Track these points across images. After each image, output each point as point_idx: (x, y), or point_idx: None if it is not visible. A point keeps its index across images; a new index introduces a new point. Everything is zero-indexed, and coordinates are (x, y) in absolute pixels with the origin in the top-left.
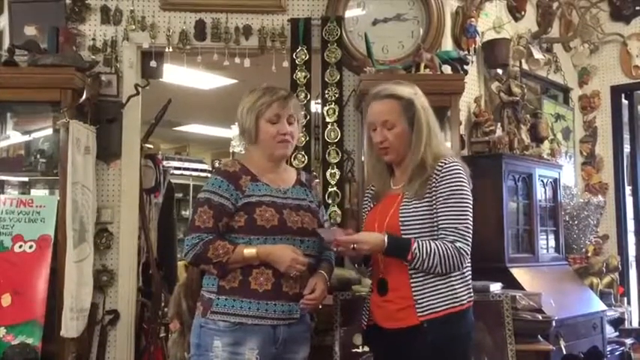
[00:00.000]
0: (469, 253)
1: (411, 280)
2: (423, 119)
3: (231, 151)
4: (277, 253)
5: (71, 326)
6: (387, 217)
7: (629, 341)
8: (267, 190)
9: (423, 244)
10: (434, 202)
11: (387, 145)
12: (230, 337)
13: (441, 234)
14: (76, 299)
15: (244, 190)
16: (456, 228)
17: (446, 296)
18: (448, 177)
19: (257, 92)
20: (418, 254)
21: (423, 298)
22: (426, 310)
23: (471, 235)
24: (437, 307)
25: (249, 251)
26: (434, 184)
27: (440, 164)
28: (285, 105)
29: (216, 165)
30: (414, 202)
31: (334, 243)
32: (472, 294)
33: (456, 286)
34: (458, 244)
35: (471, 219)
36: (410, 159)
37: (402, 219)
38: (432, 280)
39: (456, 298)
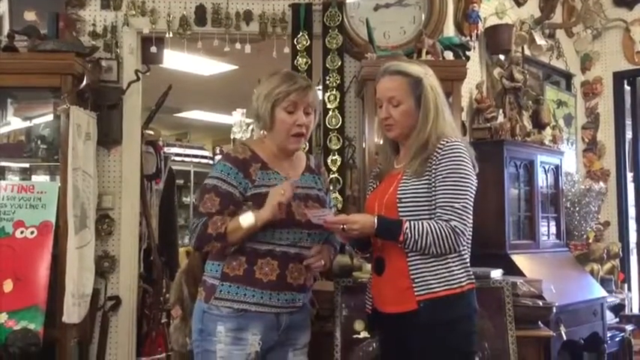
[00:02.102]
0: (466, 233)
1: (409, 261)
2: (431, 99)
3: (232, 137)
4: (267, 208)
5: (73, 312)
6: (386, 195)
7: (629, 327)
8: (276, 178)
9: (415, 224)
10: (433, 180)
11: (392, 122)
12: (233, 323)
13: (437, 212)
14: (77, 285)
15: (254, 179)
16: (452, 206)
17: (443, 277)
18: (449, 156)
19: (276, 79)
20: (410, 235)
21: (420, 279)
22: (424, 290)
23: (469, 215)
24: (435, 288)
25: (246, 218)
26: (434, 163)
27: (441, 143)
28: (304, 95)
29: (225, 150)
30: (413, 180)
31: (324, 224)
32: (472, 277)
33: (454, 268)
34: (453, 223)
35: (471, 199)
36: (414, 138)
37: (400, 196)
38: (430, 260)
39: (454, 279)
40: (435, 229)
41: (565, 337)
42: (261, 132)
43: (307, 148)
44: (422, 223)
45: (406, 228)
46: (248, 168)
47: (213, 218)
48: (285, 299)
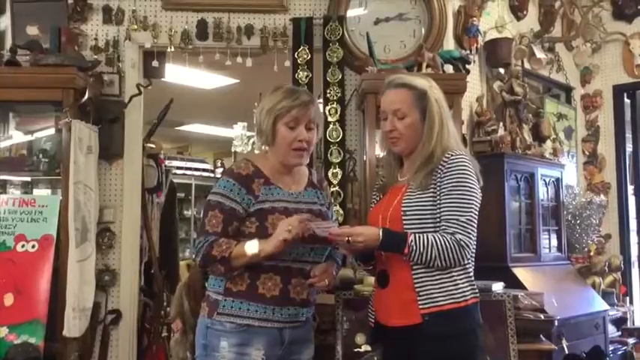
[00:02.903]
0: (471, 246)
1: (413, 274)
2: (436, 112)
3: (232, 150)
4: (272, 242)
5: (73, 325)
6: (391, 209)
7: (631, 341)
8: (280, 193)
9: (420, 237)
10: (438, 193)
11: (397, 136)
12: (237, 338)
13: (442, 225)
14: (78, 299)
15: (257, 194)
16: (457, 219)
17: (448, 290)
18: (453, 169)
19: (278, 94)
20: (415, 247)
21: (424, 292)
22: (428, 304)
23: (473, 228)
24: (439, 301)
25: (251, 246)
26: (439, 176)
27: (446, 156)
28: (306, 110)
29: (227, 165)
30: (418, 193)
31: (329, 236)
32: (476, 291)
33: (459, 281)
34: (458, 236)
35: (476, 212)
36: (420, 151)
37: (405, 209)
38: (435, 273)
39: (459, 293)
40: (441, 242)
41: (567, 351)
42: (263, 147)
43: (308, 161)
44: (427, 236)
45: (411, 241)
46: (251, 184)
47: (219, 240)
48: (288, 314)
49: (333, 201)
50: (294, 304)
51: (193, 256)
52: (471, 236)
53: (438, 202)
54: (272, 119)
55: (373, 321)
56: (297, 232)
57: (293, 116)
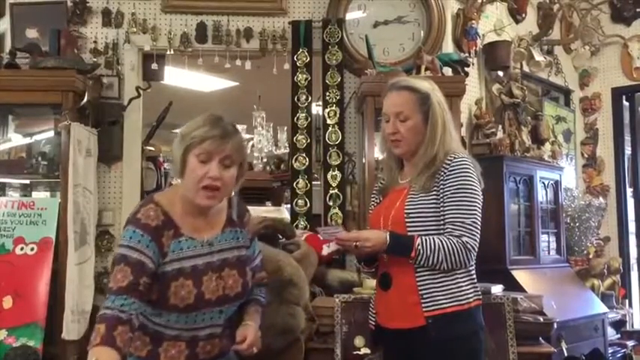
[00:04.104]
0: (476, 248)
1: (417, 276)
2: (439, 115)
3: None
4: None
5: (72, 329)
6: (393, 211)
7: (630, 343)
8: (190, 247)
9: (426, 240)
10: (441, 196)
11: (399, 138)
12: None
13: (448, 228)
14: (77, 301)
15: (165, 250)
16: (462, 222)
17: (452, 293)
18: (456, 171)
19: (199, 120)
20: (422, 251)
21: (428, 294)
22: (432, 307)
23: (478, 231)
24: (443, 304)
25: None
26: (442, 179)
27: (449, 159)
28: (222, 144)
29: (136, 215)
30: (421, 195)
31: (336, 241)
32: (479, 293)
33: (462, 284)
34: (464, 239)
35: (479, 215)
36: (422, 154)
37: (408, 212)
38: (439, 276)
39: (463, 295)
40: (447, 245)
41: (566, 353)
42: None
43: (307, 163)
44: (433, 239)
45: (418, 244)
46: (160, 237)
47: (99, 324)
48: None
49: (331, 203)
50: None
51: None
52: (477, 239)
53: (442, 204)
54: (183, 148)
55: (374, 323)
56: None
57: (205, 149)
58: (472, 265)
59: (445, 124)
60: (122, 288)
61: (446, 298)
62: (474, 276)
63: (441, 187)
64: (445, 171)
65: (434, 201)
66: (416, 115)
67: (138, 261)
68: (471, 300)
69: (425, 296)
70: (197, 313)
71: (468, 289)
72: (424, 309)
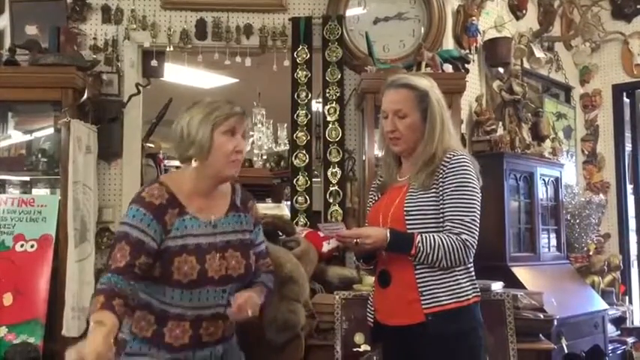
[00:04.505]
0: (475, 246)
1: (416, 273)
2: (437, 113)
3: None
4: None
5: (72, 325)
6: (392, 208)
7: (630, 340)
8: (193, 226)
9: (426, 237)
10: (440, 194)
11: (398, 136)
12: None
13: (447, 226)
14: (77, 298)
15: (169, 228)
16: (462, 220)
17: (451, 290)
18: (456, 169)
19: (209, 104)
20: (422, 248)
21: (428, 291)
22: (431, 304)
23: (477, 228)
24: (442, 301)
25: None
26: (441, 176)
27: (448, 156)
28: (243, 120)
29: (141, 194)
30: (420, 193)
31: (336, 237)
32: (478, 290)
33: (461, 281)
34: (464, 237)
35: (478, 212)
36: (421, 152)
37: (408, 210)
38: (438, 273)
39: (462, 292)
40: (447, 242)
41: (566, 350)
42: (187, 164)
43: (307, 160)
44: (433, 237)
45: (418, 242)
46: (163, 215)
47: (98, 295)
48: (202, 356)
49: (331, 200)
50: (208, 346)
51: None
52: (476, 236)
53: (441, 202)
54: (210, 127)
55: (372, 320)
56: None
57: (230, 125)
58: (471, 262)
59: (444, 121)
60: (119, 269)
61: (445, 295)
62: (473, 273)
63: (440, 184)
64: (444, 169)
65: (433, 199)
66: (414, 113)
67: (138, 240)
68: (470, 297)
69: (424, 293)
70: (200, 290)
71: (466, 286)
72: (424, 306)
